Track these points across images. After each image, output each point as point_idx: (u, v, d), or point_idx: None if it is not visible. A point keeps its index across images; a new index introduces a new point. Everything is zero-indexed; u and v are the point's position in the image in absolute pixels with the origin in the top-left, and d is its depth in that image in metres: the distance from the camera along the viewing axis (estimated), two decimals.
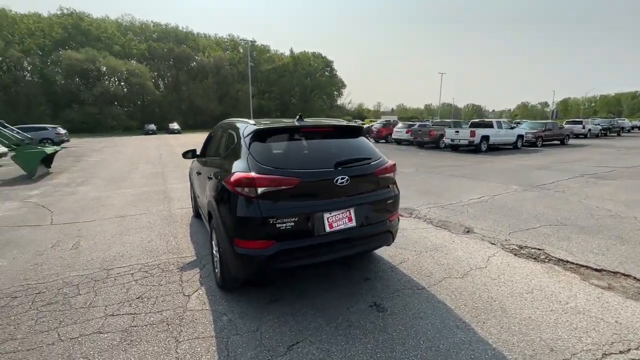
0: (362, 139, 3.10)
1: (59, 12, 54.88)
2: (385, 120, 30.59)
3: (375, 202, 2.79)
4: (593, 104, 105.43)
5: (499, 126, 16.07)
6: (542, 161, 11.74)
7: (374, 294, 2.83)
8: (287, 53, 75.11)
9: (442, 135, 17.03)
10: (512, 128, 17.09)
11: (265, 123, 2.91)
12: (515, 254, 3.66)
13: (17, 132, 10.71)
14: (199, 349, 2.16)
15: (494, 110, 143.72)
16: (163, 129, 45.21)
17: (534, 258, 3.55)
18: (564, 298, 2.73)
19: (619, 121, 30.80)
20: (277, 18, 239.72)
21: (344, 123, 3.13)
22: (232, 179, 2.42)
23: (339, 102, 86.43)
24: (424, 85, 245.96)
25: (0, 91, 45.39)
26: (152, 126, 42.15)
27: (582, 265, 3.34)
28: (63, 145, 21.58)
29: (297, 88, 73.37)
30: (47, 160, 10.63)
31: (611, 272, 3.20)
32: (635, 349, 2.10)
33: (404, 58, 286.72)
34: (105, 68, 51.02)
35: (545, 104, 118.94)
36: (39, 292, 2.94)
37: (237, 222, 2.38)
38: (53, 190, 7.70)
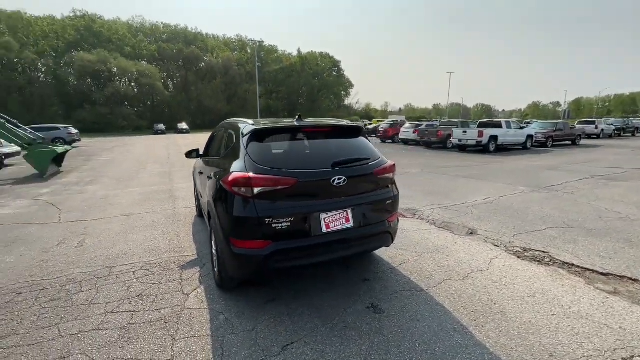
0: (362, 139, 3.08)
1: (72, 15, 56.10)
2: (393, 120, 30.42)
3: (373, 203, 2.77)
4: (607, 104, 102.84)
5: (508, 126, 15.81)
6: (552, 162, 11.51)
7: (371, 295, 2.81)
8: (295, 53, 75.33)
9: (449, 136, 16.83)
10: (521, 128, 16.79)
11: (264, 123, 2.92)
12: (518, 257, 3.59)
13: (30, 132, 10.98)
14: (194, 347, 2.18)
15: (504, 110, 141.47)
16: (172, 128, 45.78)
17: (538, 261, 3.48)
18: (567, 302, 2.66)
19: (634, 121, 29.96)
20: (284, 19, 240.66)
21: (343, 123, 3.12)
22: (229, 178, 2.43)
23: (347, 102, 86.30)
24: (432, 85, 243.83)
25: (16, 92, 46.62)
26: (162, 126, 42.73)
27: (588, 269, 3.26)
28: (74, 145, 22.07)
29: (305, 88, 73.47)
30: (58, 159, 10.87)
31: (618, 276, 3.11)
32: (639, 357, 2.04)
33: (412, 58, 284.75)
34: (116, 69, 51.95)
35: (557, 104, 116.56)
36: (43, 288, 3.01)
37: (234, 222, 2.39)
38: (63, 189, 7.86)
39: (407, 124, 21.94)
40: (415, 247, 3.88)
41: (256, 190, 2.35)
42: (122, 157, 15.37)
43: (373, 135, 27.08)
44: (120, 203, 6.32)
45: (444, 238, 4.19)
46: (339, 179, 2.52)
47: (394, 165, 3.01)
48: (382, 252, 3.68)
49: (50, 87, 49.02)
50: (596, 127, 23.59)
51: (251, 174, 2.37)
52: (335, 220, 2.56)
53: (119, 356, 2.10)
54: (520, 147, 16.68)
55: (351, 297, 2.79)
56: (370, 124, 41.41)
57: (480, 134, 14.85)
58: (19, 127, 10.86)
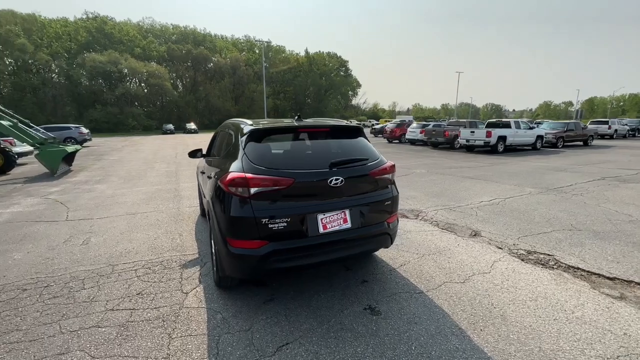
0: (361, 139, 3.06)
1: (84, 17, 57.26)
2: (400, 120, 30.21)
3: (372, 204, 2.74)
4: (622, 103, 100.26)
5: (517, 126, 15.55)
6: (561, 163, 11.28)
7: (369, 297, 2.79)
8: (302, 53, 75.47)
9: (456, 136, 16.64)
10: (530, 128, 16.49)
11: (263, 123, 2.92)
12: (522, 260, 3.52)
13: (42, 132, 11.24)
14: (190, 346, 2.19)
15: (514, 110, 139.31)
16: (181, 128, 46.39)
17: (542, 264, 3.41)
18: (570, 307, 2.60)
19: None
20: (292, 19, 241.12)
21: (343, 123, 3.10)
22: (226, 179, 2.44)
23: (354, 102, 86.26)
24: (440, 85, 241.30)
25: (30, 92, 47.84)
26: (170, 126, 43.35)
27: (594, 273, 3.18)
28: (85, 144, 22.53)
29: (312, 88, 73.55)
30: (69, 158, 11.10)
31: (625, 280, 3.03)
32: None
33: (420, 57, 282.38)
34: (126, 70, 52.82)
35: (570, 104, 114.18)
36: (47, 285, 3.07)
37: (231, 222, 2.40)
38: (72, 187, 8.02)
39: (414, 124, 21.77)
40: (416, 249, 3.84)
41: (253, 190, 2.35)
42: (131, 156, 15.61)
43: (380, 135, 26.97)
44: (126, 202, 6.41)
45: (447, 240, 4.14)
46: (336, 179, 2.50)
47: (394, 165, 2.98)
48: (382, 253, 3.66)
49: (63, 88, 50.18)
50: (609, 127, 23.06)
51: (247, 174, 2.38)
52: (333, 221, 2.55)
53: (116, 353, 2.13)
54: (530, 148, 16.40)
55: (349, 299, 2.77)
56: (378, 123, 41.28)
57: (489, 134, 14.64)
58: (31, 127, 11.14)
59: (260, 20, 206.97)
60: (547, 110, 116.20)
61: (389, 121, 37.42)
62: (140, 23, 64.35)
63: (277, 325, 2.40)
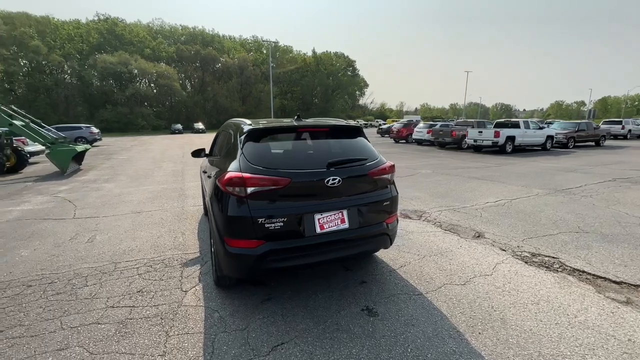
0: (361, 139, 3.04)
1: (95, 19, 58.32)
2: (407, 120, 29.99)
3: (370, 204, 2.72)
4: (636, 103, 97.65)
5: (526, 126, 15.28)
6: (572, 163, 11.05)
7: (367, 298, 2.77)
8: (310, 53, 75.54)
9: (464, 136, 16.45)
10: (540, 128, 16.19)
11: (262, 123, 2.92)
12: (525, 262, 3.46)
13: (53, 132, 11.48)
14: (186, 344, 2.21)
15: (524, 110, 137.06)
16: (189, 128, 46.90)
17: (546, 267, 3.34)
18: (573, 311, 2.54)
19: None
20: (299, 19, 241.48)
21: (342, 123, 3.09)
22: (224, 178, 2.45)
23: (361, 102, 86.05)
24: (449, 84, 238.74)
25: (44, 93, 48.94)
26: (179, 126, 43.89)
27: (600, 277, 3.10)
28: (96, 143, 22.94)
29: (319, 88, 73.58)
30: (79, 157, 11.32)
31: (632, 285, 2.95)
32: None
33: (428, 57, 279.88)
34: (136, 70, 53.61)
35: (582, 103, 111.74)
36: (51, 281, 3.13)
37: (228, 221, 2.41)
38: (81, 186, 8.18)
39: (421, 124, 21.59)
40: (418, 250, 3.80)
41: (249, 190, 2.36)
42: (140, 155, 15.84)
43: (387, 135, 26.80)
44: (132, 200, 6.51)
45: (449, 241, 4.09)
46: (333, 179, 2.49)
47: (393, 165, 2.95)
48: (383, 254, 3.63)
49: (75, 88, 51.23)
50: (623, 127, 22.49)
51: (244, 174, 2.38)
52: (330, 221, 2.54)
53: (114, 350, 2.15)
54: (540, 148, 16.11)
55: (347, 299, 2.76)
56: (385, 123, 41.05)
57: (497, 134, 14.43)
58: (42, 127, 11.39)
59: (263, 21, 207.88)
60: (559, 110, 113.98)
61: (396, 121, 37.20)
62: (150, 24, 65.25)
63: (274, 325, 2.40)
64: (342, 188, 2.56)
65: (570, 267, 3.32)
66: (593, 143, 18.25)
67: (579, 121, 18.62)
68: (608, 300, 2.71)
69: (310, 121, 3.05)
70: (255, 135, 2.69)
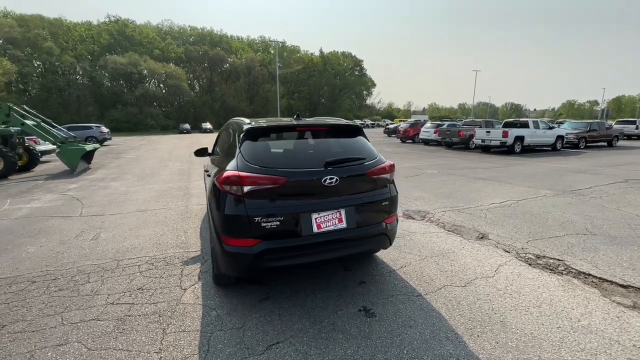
0: (360, 138, 3.02)
1: (106, 20, 59.35)
2: (414, 120, 29.75)
3: (369, 204, 2.70)
4: None
5: (536, 126, 15.01)
6: (582, 164, 10.81)
7: (365, 298, 2.75)
8: (317, 53, 75.57)
9: (471, 136, 16.23)
10: (550, 128, 15.88)
11: (262, 122, 2.92)
12: (529, 264, 3.39)
13: (64, 132, 11.71)
14: (182, 342, 2.22)
15: (535, 110, 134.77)
16: (197, 128, 47.34)
17: (551, 269, 3.27)
18: (576, 315, 2.48)
19: None
20: (307, 19, 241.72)
21: (342, 122, 3.07)
22: (221, 177, 2.45)
23: (369, 101, 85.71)
24: (457, 84, 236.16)
25: (56, 93, 50.00)
26: (187, 125, 44.35)
27: (606, 280, 3.02)
28: (105, 143, 23.33)
29: (327, 88, 73.55)
30: (88, 156, 11.53)
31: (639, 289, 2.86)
32: None
33: (436, 56, 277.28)
34: (145, 71, 54.35)
35: (595, 103, 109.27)
36: (54, 278, 3.19)
37: (225, 220, 2.41)
38: (89, 184, 8.32)
39: (428, 124, 21.38)
40: (419, 250, 3.75)
41: (246, 188, 2.36)
42: (148, 154, 16.05)
43: (393, 135, 26.63)
44: (138, 199, 6.59)
45: (452, 242, 4.03)
46: (330, 178, 2.48)
47: (392, 165, 2.92)
48: (383, 255, 3.60)
49: (87, 89, 52.22)
50: (637, 127, 21.91)
51: (241, 173, 2.38)
52: (328, 221, 2.52)
53: (111, 346, 2.18)
54: (549, 149, 15.82)
55: (344, 299, 2.74)
56: (392, 123, 40.80)
57: (505, 134, 14.20)
58: (53, 126, 11.63)
59: (271, 21, 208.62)
60: (571, 110, 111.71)
61: (403, 121, 36.95)
62: (159, 25, 66.09)
63: (270, 324, 2.40)
64: (340, 187, 2.54)
65: (576, 269, 3.24)
66: (605, 143, 17.83)
67: (590, 121, 18.22)
68: (614, 304, 2.63)
69: (309, 120, 3.04)
70: (253, 134, 2.69)
